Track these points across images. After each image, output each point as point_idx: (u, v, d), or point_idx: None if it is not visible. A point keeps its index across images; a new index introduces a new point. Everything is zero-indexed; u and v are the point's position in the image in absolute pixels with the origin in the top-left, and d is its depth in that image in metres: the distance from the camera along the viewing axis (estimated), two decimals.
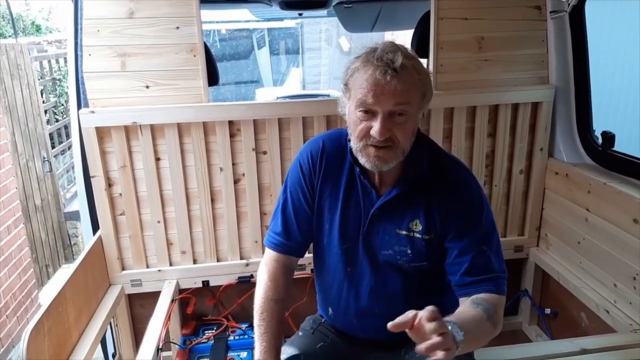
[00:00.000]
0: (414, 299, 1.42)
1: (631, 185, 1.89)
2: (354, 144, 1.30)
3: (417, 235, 1.36)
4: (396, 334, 1.46)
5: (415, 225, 1.36)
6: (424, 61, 2.30)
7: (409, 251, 1.36)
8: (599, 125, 2.18)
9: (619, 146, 2.08)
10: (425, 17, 2.16)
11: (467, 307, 1.27)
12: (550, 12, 2.13)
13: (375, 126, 1.22)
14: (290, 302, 1.51)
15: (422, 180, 1.35)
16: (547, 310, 2.33)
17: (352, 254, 1.42)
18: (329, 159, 1.42)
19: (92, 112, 1.96)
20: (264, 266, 1.49)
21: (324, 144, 1.44)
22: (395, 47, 1.24)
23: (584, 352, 1.68)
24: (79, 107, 2.00)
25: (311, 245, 1.53)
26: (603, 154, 2.10)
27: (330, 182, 1.42)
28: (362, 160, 1.30)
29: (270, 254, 1.50)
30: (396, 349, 1.48)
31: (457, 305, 1.42)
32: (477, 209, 1.35)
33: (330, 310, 1.53)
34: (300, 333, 1.57)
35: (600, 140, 2.12)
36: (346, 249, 1.42)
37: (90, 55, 1.96)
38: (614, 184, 1.92)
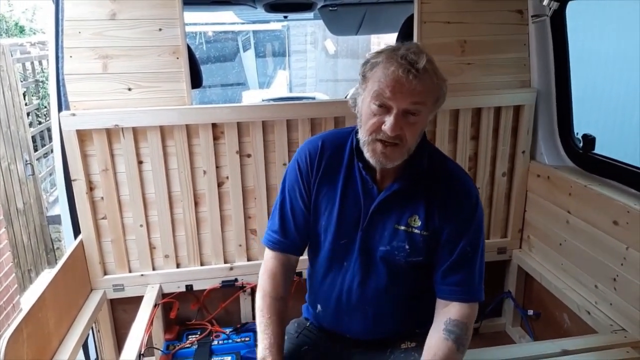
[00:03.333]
0: (405, 297, 1.44)
1: (611, 187, 1.92)
2: (362, 136, 1.31)
3: (416, 230, 1.38)
4: (382, 334, 1.46)
5: (414, 221, 1.38)
6: None
7: (406, 246, 1.38)
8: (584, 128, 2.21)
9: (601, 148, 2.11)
10: (409, 21, 2.16)
11: (438, 339, 1.32)
12: (532, 16, 2.15)
13: (388, 122, 1.24)
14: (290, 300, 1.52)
15: (422, 177, 1.38)
16: (530, 312, 2.34)
17: (349, 249, 1.43)
18: (328, 158, 1.44)
19: (73, 114, 1.94)
20: (264, 265, 1.51)
21: (322, 143, 1.46)
22: (419, 49, 1.26)
23: (565, 353, 1.70)
24: (59, 109, 1.97)
25: None
26: (584, 156, 2.12)
27: (328, 180, 1.44)
28: (368, 154, 1.31)
29: (268, 252, 1.51)
30: (381, 349, 1.49)
31: None
32: (472, 212, 1.38)
33: (319, 307, 1.53)
34: (285, 337, 1.57)
35: (581, 143, 2.14)
36: (344, 244, 1.43)
37: (71, 57, 1.93)
38: (594, 187, 1.94)
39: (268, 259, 1.50)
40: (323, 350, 1.53)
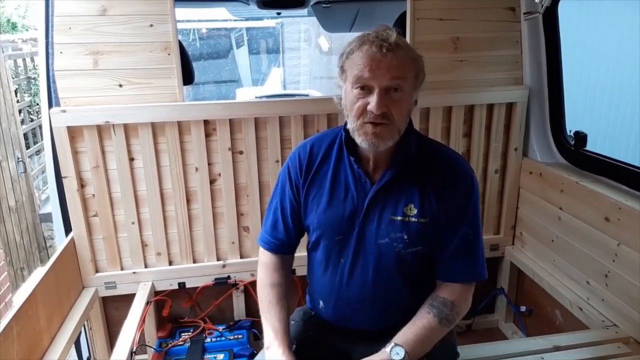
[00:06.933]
0: (406, 287, 1.44)
1: (602, 184, 1.92)
2: (351, 124, 1.31)
3: (413, 219, 1.37)
4: (384, 325, 1.46)
5: (410, 209, 1.37)
6: None
7: (405, 237, 1.37)
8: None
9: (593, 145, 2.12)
10: (402, 18, 2.16)
11: (421, 313, 1.36)
12: (524, 14, 2.15)
13: (372, 101, 1.24)
14: (289, 290, 1.54)
15: (413, 162, 1.38)
16: (523, 308, 2.35)
17: (346, 245, 1.43)
18: (316, 159, 1.46)
19: (64, 111, 1.93)
20: (258, 261, 1.56)
21: (311, 145, 1.48)
22: (388, 28, 1.29)
23: (557, 349, 1.71)
24: (50, 106, 1.96)
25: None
26: (575, 153, 2.13)
27: (317, 180, 1.45)
28: (359, 139, 1.31)
29: (261, 250, 1.56)
30: (384, 337, 1.48)
31: None
32: (469, 193, 1.38)
33: (321, 302, 1.53)
34: (292, 322, 1.58)
35: (573, 140, 2.15)
36: (340, 241, 1.43)
37: (61, 53, 1.92)
38: (586, 183, 1.95)
39: (261, 255, 1.56)
40: (329, 337, 1.53)
